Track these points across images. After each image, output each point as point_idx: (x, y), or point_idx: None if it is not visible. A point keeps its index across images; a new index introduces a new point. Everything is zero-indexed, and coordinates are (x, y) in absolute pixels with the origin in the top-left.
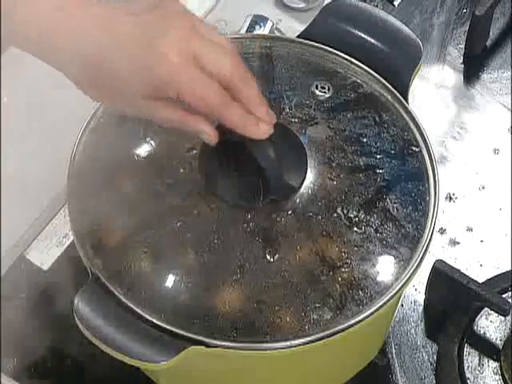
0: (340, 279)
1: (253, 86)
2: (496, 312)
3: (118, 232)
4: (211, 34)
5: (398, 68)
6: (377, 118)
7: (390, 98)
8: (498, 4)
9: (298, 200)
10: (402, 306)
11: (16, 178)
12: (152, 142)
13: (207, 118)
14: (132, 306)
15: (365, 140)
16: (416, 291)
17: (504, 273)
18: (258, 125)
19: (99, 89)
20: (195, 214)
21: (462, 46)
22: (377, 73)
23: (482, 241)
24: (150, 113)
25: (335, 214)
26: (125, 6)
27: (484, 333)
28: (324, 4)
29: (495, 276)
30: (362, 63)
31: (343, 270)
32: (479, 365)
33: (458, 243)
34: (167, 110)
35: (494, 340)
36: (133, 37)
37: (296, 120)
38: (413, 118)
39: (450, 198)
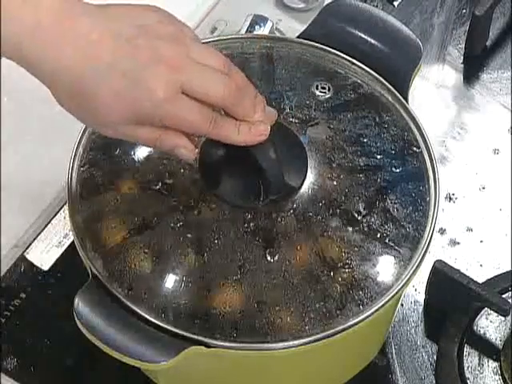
0: (340, 279)
1: (248, 96)
2: (496, 312)
3: (118, 232)
4: (203, 54)
5: (398, 68)
6: (377, 118)
7: (390, 98)
8: (498, 4)
9: (298, 200)
10: (402, 305)
11: (16, 178)
12: None
13: (184, 134)
14: (132, 306)
15: (365, 140)
16: (416, 291)
17: (504, 273)
18: (250, 132)
19: (77, 110)
20: (195, 213)
21: (462, 46)
22: (377, 73)
23: (481, 241)
24: (129, 136)
25: (335, 214)
26: (113, 24)
27: (484, 333)
28: (324, 4)
29: (495, 276)
30: (362, 63)
31: (343, 270)
32: (479, 365)
33: (458, 243)
34: (145, 131)
35: (493, 340)
36: (118, 68)
37: (296, 120)
38: (413, 118)
39: (450, 198)
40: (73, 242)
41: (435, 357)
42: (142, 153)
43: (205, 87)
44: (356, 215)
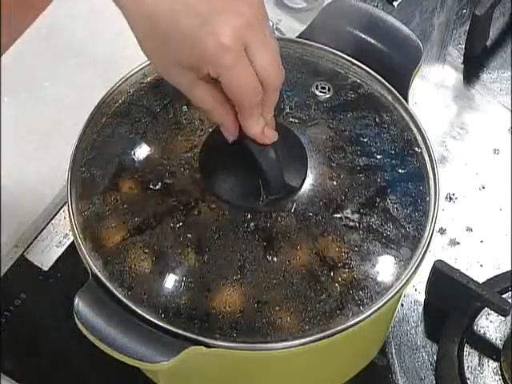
0: (340, 279)
1: (277, 95)
2: (496, 312)
3: (118, 232)
4: (269, 37)
5: (398, 68)
6: (377, 118)
7: (390, 98)
8: (498, 4)
9: (298, 200)
10: (402, 305)
11: (16, 178)
12: (152, 142)
13: (236, 116)
14: (132, 306)
15: (365, 140)
16: (416, 291)
17: (504, 273)
18: (263, 130)
19: (150, 47)
20: (195, 213)
21: (462, 46)
22: (377, 73)
23: (482, 241)
24: (187, 85)
25: (335, 214)
26: None
27: (484, 333)
28: (324, 4)
29: (495, 276)
30: (362, 63)
31: (343, 270)
32: (479, 365)
33: (458, 243)
34: (203, 88)
35: (493, 340)
36: (192, 8)
37: (296, 120)
38: (413, 118)
39: (450, 198)
40: (73, 241)
41: (435, 357)
42: (142, 153)
43: (265, 60)
44: (356, 215)
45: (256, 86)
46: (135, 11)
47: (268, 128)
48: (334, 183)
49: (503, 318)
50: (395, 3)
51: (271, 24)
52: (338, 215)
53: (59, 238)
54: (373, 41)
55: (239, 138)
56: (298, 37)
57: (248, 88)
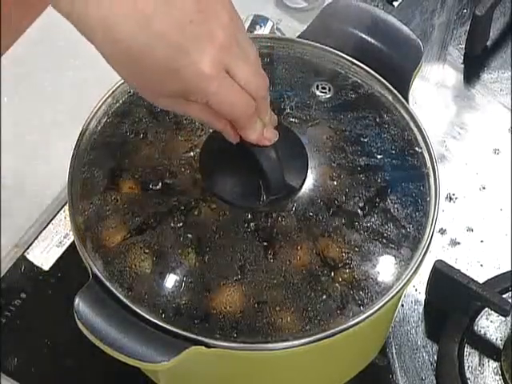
0: (340, 279)
1: (268, 96)
2: (496, 312)
3: (118, 232)
4: (247, 45)
5: (399, 68)
6: (377, 119)
7: (390, 98)
8: (498, 4)
9: (298, 200)
10: (403, 306)
11: (16, 178)
12: (152, 142)
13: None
14: (132, 306)
15: (365, 140)
16: (416, 291)
17: (504, 273)
18: (262, 133)
19: (132, 80)
20: (195, 213)
21: (463, 46)
22: (377, 73)
23: (482, 241)
24: (180, 109)
25: (336, 214)
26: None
27: (484, 333)
28: (324, 4)
29: (495, 276)
30: (362, 63)
31: (344, 270)
32: (479, 365)
33: (459, 243)
34: (197, 107)
35: (494, 340)
36: (169, 37)
37: (296, 120)
38: (413, 118)
39: (450, 198)
40: (73, 241)
41: (435, 357)
42: (142, 153)
43: (246, 74)
44: (356, 215)
45: (246, 101)
46: (111, 49)
47: (267, 129)
48: (335, 183)
49: (503, 318)
50: (395, 3)
51: (271, 24)
52: (339, 215)
53: (59, 237)
54: (373, 41)
55: (241, 140)
56: (298, 37)
57: (239, 105)
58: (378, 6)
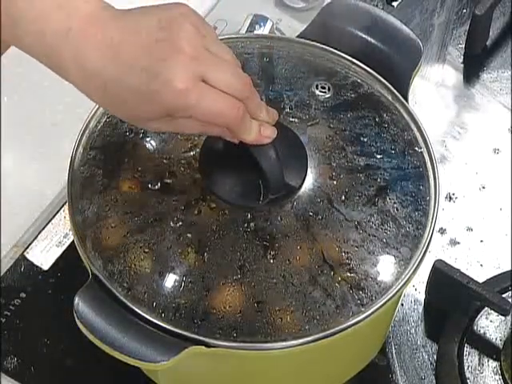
0: (340, 279)
1: (256, 94)
2: (496, 312)
3: (118, 232)
4: (220, 48)
5: (398, 68)
6: (377, 118)
7: (390, 97)
8: (498, 4)
9: (298, 200)
10: (402, 305)
11: (16, 178)
12: (152, 142)
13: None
14: (132, 305)
15: (365, 140)
16: (416, 291)
17: (504, 273)
18: (260, 132)
19: (111, 109)
20: (195, 213)
21: (462, 46)
22: (377, 73)
23: (482, 241)
24: (168, 128)
25: (335, 214)
26: (134, 23)
27: (484, 333)
28: (324, 4)
29: (495, 276)
30: (362, 63)
31: (343, 269)
32: (479, 365)
33: (458, 243)
34: (184, 122)
35: (494, 340)
36: (137, 65)
37: (296, 120)
38: (413, 118)
39: (450, 198)
40: (73, 241)
41: (435, 356)
42: (142, 153)
43: (224, 78)
44: (356, 215)
45: (232, 104)
46: (86, 84)
47: (265, 127)
48: (334, 183)
49: (503, 318)
50: (395, 3)
51: (271, 24)
52: (338, 215)
53: (59, 237)
54: (373, 40)
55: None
56: (298, 37)
57: (225, 111)
58: (377, 6)
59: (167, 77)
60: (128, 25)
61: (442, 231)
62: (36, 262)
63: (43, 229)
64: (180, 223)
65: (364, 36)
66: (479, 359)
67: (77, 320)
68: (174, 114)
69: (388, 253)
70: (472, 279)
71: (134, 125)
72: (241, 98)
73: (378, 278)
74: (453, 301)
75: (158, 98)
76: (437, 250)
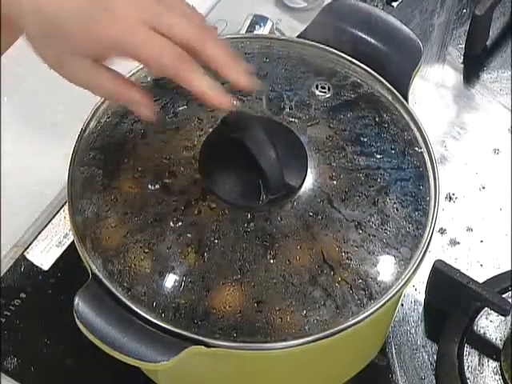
0: (340, 279)
1: (214, 37)
2: (496, 312)
3: (118, 232)
4: (180, 5)
5: (398, 68)
6: (377, 118)
7: (390, 97)
8: (498, 4)
9: (298, 200)
10: (402, 305)
11: (16, 178)
12: (152, 142)
13: (145, 93)
14: (132, 305)
15: (365, 140)
16: (416, 291)
17: (504, 273)
18: (223, 94)
19: (43, 36)
20: (195, 214)
21: (462, 46)
22: (377, 73)
23: (482, 241)
24: (85, 77)
25: (335, 214)
26: None
27: (484, 333)
28: (324, 4)
29: (495, 276)
30: (362, 63)
31: (343, 269)
32: (479, 365)
33: (458, 243)
34: (105, 76)
35: (494, 340)
36: None
37: (296, 120)
38: (413, 118)
39: (450, 198)
40: (73, 241)
41: (435, 357)
42: (142, 153)
43: (169, 22)
44: (356, 215)
45: (172, 48)
46: (29, 15)
47: (224, 93)
48: (334, 183)
49: (503, 318)
50: (394, 4)
51: (271, 24)
52: (338, 215)
53: (59, 237)
54: (373, 41)
55: (241, 140)
56: (298, 37)
57: (164, 52)
58: (377, 6)
59: (119, 11)
60: None
61: (442, 231)
62: (36, 262)
63: (43, 229)
64: (180, 223)
65: (364, 36)
66: (479, 359)
67: (77, 320)
68: (108, 53)
69: (388, 253)
70: (472, 279)
71: (51, 64)
72: (189, 43)
73: (378, 278)
74: (453, 301)
75: (100, 29)
76: (437, 250)
